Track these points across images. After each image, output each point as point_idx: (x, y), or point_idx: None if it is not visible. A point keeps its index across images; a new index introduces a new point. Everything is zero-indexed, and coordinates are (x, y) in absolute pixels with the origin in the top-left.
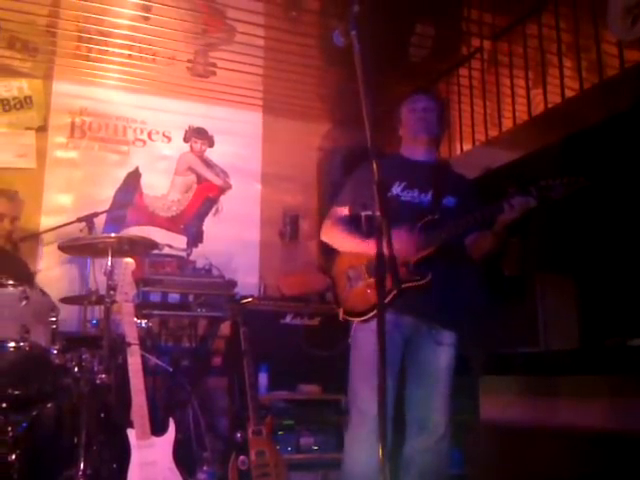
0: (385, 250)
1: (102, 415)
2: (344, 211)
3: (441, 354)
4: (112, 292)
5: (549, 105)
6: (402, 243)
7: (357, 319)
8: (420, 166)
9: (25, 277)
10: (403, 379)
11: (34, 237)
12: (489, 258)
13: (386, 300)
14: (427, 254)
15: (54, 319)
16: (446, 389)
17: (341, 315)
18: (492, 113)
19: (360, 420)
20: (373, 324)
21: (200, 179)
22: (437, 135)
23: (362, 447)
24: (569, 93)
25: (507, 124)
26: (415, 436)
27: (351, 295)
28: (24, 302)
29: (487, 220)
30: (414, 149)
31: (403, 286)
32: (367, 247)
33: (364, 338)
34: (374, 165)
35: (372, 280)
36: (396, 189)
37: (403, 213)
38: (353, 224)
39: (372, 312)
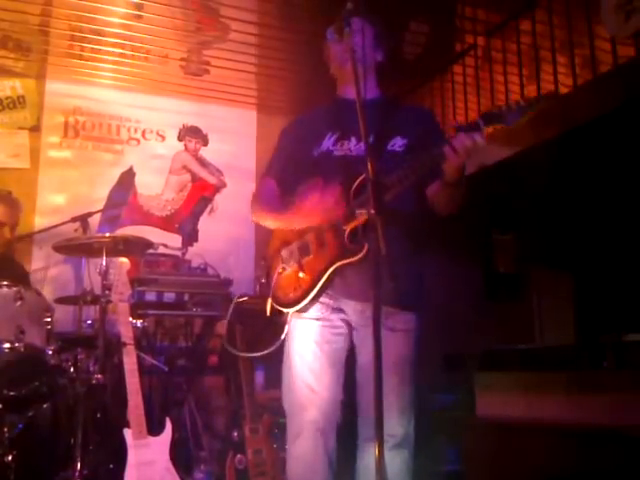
0: (382, 248)
1: (98, 415)
2: (270, 183)
3: (395, 342)
4: (107, 292)
5: None
6: (332, 209)
7: (289, 310)
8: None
9: (20, 278)
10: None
11: (28, 237)
12: (455, 212)
13: (320, 283)
14: (363, 221)
15: (49, 319)
16: (405, 385)
17: (268, 307)
18: (486, 110)
19: (299, 425)
20: (313, 313)
21: (195, 178)
22: (377, 63)
23: (304, 457)
24: (563, 89)
25: None
26: (369, 443)
27: (282, 280)
28: (19, 303)
29: (427, 171)
30: (347, 85)
31: (337, 264)
32: (296, 222)
33: (301, 331)
34: (369, 164)
35: (306, 260)
36: (327, 143)
37: (337, 172)
38: (280, 197)
39: (305, 300)
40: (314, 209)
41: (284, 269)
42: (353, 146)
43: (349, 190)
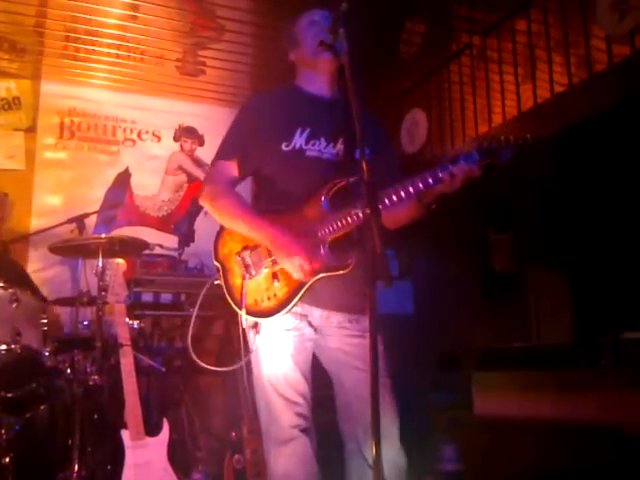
0: (377, 248)
1: (95, 416)
2: (232, 167)
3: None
4: (104, 293)
5: (538, 100)
6: (312, 217)
7: (261, 319)
8: (324, 105)
9: (18, 278)
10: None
11: (24, 239)
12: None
13: (300, 294)
14: (344, 232)
15: (45, 321)
16: (387, 378)
17: (244, 318)
18: (482, 109)
19: (279, 433)
20: (285, 323)
21: (191, 178)
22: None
23: (290, 462)
24: (558, 88)
25: (497, 120)
26: (361, 450)
27: (252, 287)
28: (15, 304)
29: (420, 191)
30: (314, 79)
31: (320, 275)
32: (268, 233)
33: (274, 342)
34: (364, 165)
35: (280, 268)
36: (299, 139)
37: (309, 174)
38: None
39: (283, 311)
40: (292, 246)
41: (251, 275)
42: (323, 148)
43: (319, 196)
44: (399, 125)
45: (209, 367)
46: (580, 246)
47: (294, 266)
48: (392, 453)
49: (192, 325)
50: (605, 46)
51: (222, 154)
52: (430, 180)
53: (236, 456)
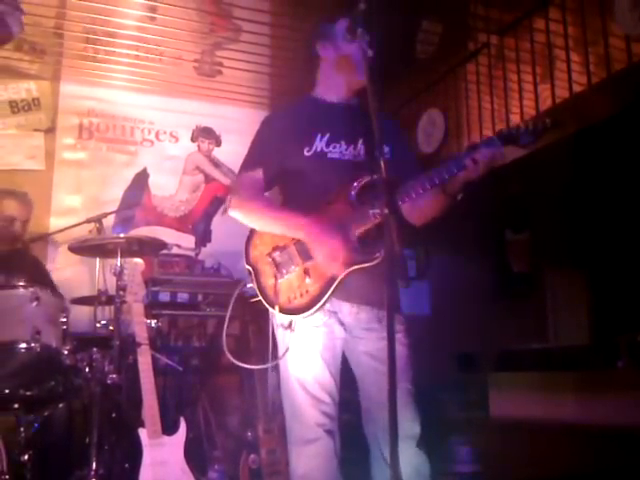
0: (396, 248)
1: (113, 415)
2: (257, 177)
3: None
4: (122, 292)
5: (557, 100)
6: (340, 213)
7: (299, 316)
8: (342, 110)
9: (37, 277)
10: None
11: (44, 238)
12: (431, 222)
13: (332, 289)
14: (373, 225)
15: (64, 320)
16: (410, 384)
17: (278, 314)
18: (499, 109)
19: (303, 432)
20: (314, 319)
21: (208, 178)
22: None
23: (312, 463)
24: (577, 88)
25: (515, 119)
26: (383, 453)
27: (284, 286)
28: (35, 303)
29: (445, 180)
30: (333, 84)
31: (351, 268)
32: (298, 226)
33: (302, 339)
34: (382, 164)
35: (310, 264)
36: (319, 143)
37: (332, 175)
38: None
39: (315, 307)
40: (327, 239)
41: (282, 274)
42: (344, 150)
43: (345, 193)
44: (416, 125)
45: (245, 365)
46: (597, 246)
47: (327, 253)
48: (413, 457)
49: (226, 325)
50: (624, 45)
51: (247, 166)
52: (454, 168)
53: (252, 456)
